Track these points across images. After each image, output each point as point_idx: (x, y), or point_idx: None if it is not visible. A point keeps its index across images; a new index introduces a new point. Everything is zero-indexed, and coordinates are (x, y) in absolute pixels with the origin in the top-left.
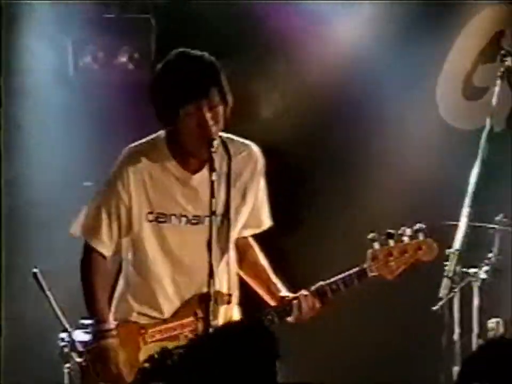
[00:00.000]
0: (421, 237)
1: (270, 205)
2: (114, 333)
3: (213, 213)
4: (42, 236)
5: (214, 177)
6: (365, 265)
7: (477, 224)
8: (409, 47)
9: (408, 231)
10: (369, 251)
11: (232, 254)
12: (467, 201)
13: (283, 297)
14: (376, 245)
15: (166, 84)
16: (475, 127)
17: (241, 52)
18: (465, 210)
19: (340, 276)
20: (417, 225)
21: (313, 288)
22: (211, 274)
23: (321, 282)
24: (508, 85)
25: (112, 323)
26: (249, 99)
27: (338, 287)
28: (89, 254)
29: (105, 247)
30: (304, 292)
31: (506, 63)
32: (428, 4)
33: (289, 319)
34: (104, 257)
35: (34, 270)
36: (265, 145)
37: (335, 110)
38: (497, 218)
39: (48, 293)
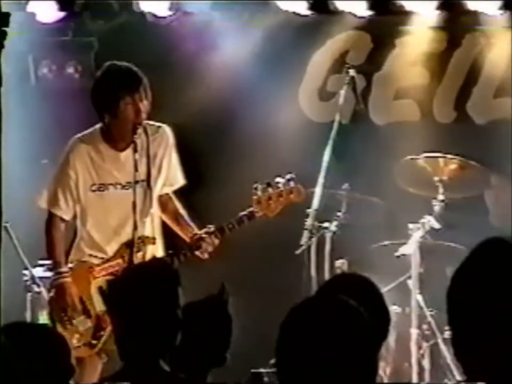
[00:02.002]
0: (292, 184)
1: (183, 169)
2: (67, 274)
3: (136, 182)
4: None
5: (137, 156)
6: (252, 208)
7: (330, 191)
8: (280, 63)
9: (282, 181)
10: (254, 197)
11: (155, 208)
12: (321, 173)
13: (194, 235)
14: (259, 192)
15: (106, 84)
16: (328, 120)
17: (157, 68)
18: (320, 181)
19: (237, 217)
20: (288, 175)
21: (214, 227)
22: (135, 226)
23: (221, 224)
24: (351, 89)
25: (66, 267)
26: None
27: (233, 225)
28: (51, 218)
29: (64, 213)
30: (208, 229)
31: (350, 73)
32: (295, 31)
33: (197, 253)
34: (62, 220)
35: (5, 224)
36: (178, 128)
37: (228, 107)
38: (344, 186)
39: (15, 241)
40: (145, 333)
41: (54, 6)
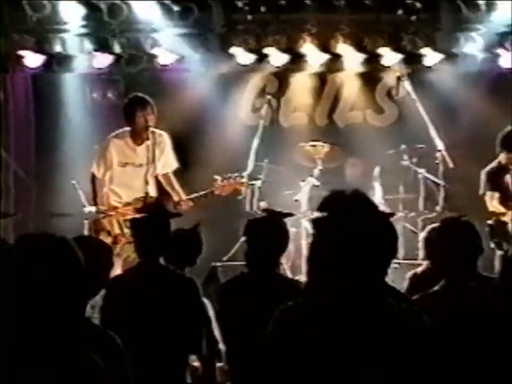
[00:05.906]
0: (237, 178)
1: (177, 157)
2: (105, 210)
3: (146, 163)
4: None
5: (147, 149)
6: (212, 189)
7: (257, 163)
8: (228, 93)
9: (233, 175)
10: (215, 184)
11: (153, 181)
12: (252, 153)
13: (177, 200)
14: (219, 180)
15: (130, 104)
16: (256, 123)
17: (158, 96)
18: (251, 157)
19: (202, 192)
20: (236, 173)
21: (192, 196)
22: (150, 191)
23: (195, 194)
24: (268, 106)
25: (103, 208)
26: (163, 115)
27: (200, 197)
28: (94, 178)
29: (100, 175)
30: (185, 199)
31: (268, 97)
32: (237, 73)
33: (184, 207)
34: (98, 178)
35: (73, 182)
36: (172, 132)
37: (199, 120)
38: (264, 160)
39: (80, 192)
40: (151, 241)
41: (109, 58)
